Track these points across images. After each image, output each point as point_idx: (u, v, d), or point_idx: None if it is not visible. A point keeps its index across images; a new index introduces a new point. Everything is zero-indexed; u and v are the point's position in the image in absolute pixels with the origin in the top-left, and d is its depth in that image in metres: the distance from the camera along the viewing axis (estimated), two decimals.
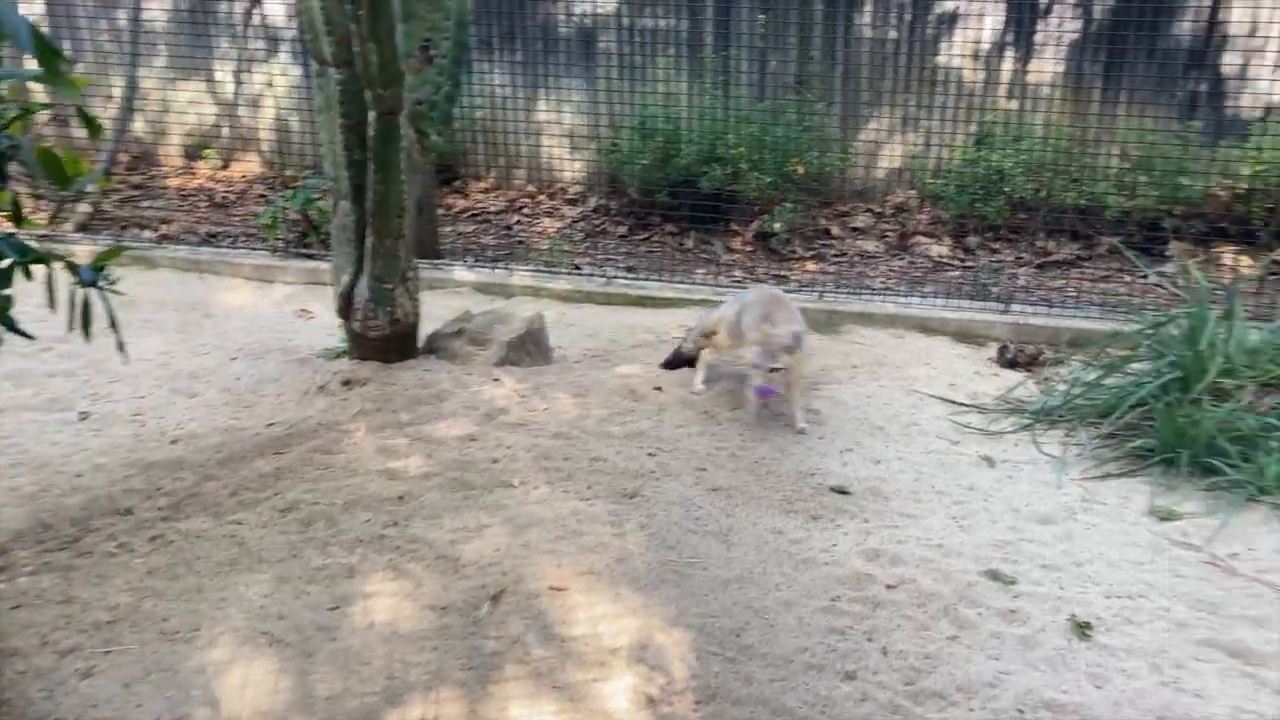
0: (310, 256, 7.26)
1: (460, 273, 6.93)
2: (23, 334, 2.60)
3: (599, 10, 8.41)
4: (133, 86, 8.44)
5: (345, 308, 5.15)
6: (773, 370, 4.75)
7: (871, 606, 3.48)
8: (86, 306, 2.61)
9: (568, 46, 8.57)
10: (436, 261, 7.15)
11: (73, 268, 2.62)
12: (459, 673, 3.18)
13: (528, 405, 4.96)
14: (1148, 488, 4.43)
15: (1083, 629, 3.37)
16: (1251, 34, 7.58)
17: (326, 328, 6.19)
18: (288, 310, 6.71)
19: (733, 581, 3.59)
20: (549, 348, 5.68)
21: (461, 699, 3.08)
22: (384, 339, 5.16)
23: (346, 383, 5.14)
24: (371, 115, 4.37)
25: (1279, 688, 3.14)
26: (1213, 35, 7.65)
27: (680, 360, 5.40)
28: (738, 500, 4.17)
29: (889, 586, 3.58)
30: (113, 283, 2.67)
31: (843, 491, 4.29)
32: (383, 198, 4.61)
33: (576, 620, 3.38)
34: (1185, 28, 7.66)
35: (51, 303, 2.64)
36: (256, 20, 9.19)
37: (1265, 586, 3.71)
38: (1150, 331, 5.24)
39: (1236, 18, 7.54)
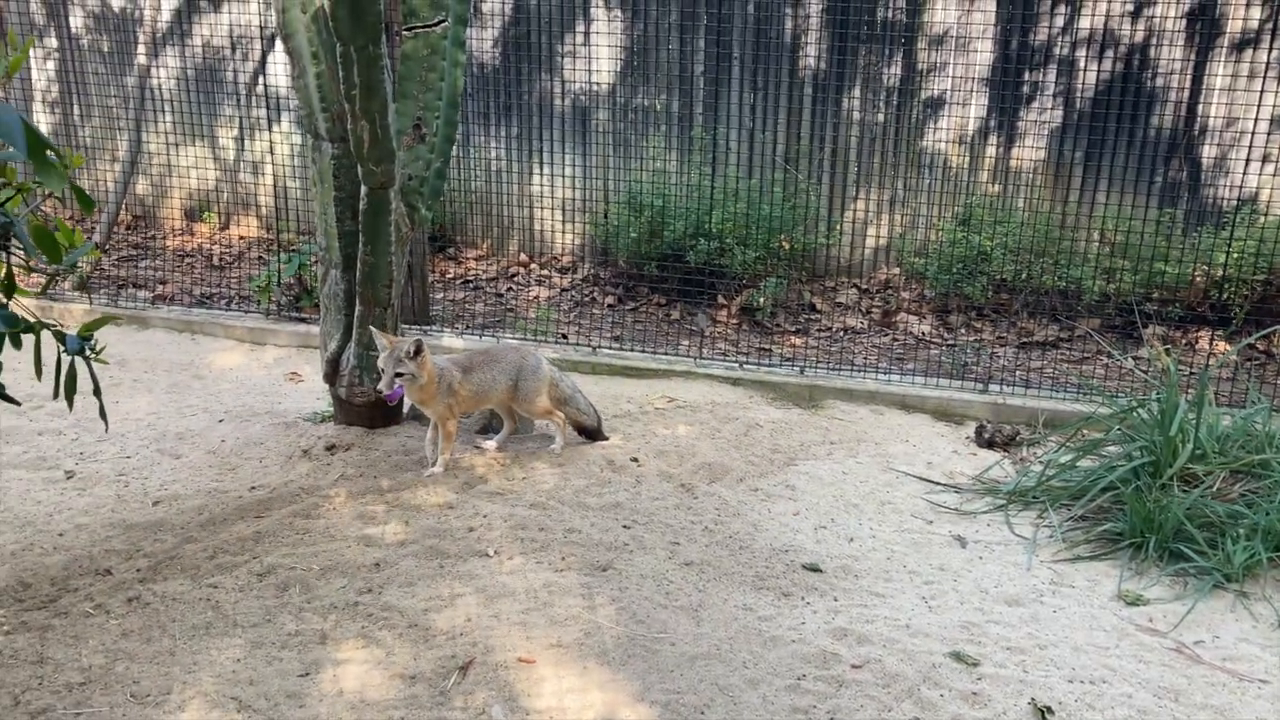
0: (303, 320, 7.36)
1: (449, 339, 7.02)
2: (10, 400, 2.67)
3: (594, 88, 8.63)
4: (136, 148, 8.62)
5: (332, 374, 5.24)
6: (397, 375, 4.73)
7: (836, 686, 3.51)
8: (72, 374, 2.69)
9: (562, 121, 8.78)
10: (426, 327, 7.26)
11: (60, 337, 2.71)
12: None
13: (507, 474, 5.02)
14: (1116, 572, 4.48)
15: (1044, 713, 3.40)
16: (1228, 126, 7.79)
17: (315, 391, 6.27)
18: (278, 373, 6.80)
19: (700, 658, 3.63)
20: None
21: None
22: (369, 405, 5.24)
23: (330, 448, 5.22)
24: (363, 189, 4.50)
25: None
26: (1191, 126, 7.86)
27: None
28: (710, 575, 4.22)
29: (854, 666, 3.62)
30: (98, 351, 2.75)
31: (815, 569, 4.34)
32: (371, 268, 4.72)
33: (542, 693, 3.41)
34: (1165, 118, 7.87)
35: (38, 372, 2.72)
36: (261, 87, 9.42)
37: (1228, 675, 3.74)
38: (1122, 416, 5.33)
39: (1215, 111, 7.76)
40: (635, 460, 5.23)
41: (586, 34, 8.57)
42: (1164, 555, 4.51)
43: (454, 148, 8.19)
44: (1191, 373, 6.79)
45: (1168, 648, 3.92)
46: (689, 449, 5.43)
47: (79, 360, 2.75)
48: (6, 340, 2.56)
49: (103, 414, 2.89)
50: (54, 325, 2.72)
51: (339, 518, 4.54)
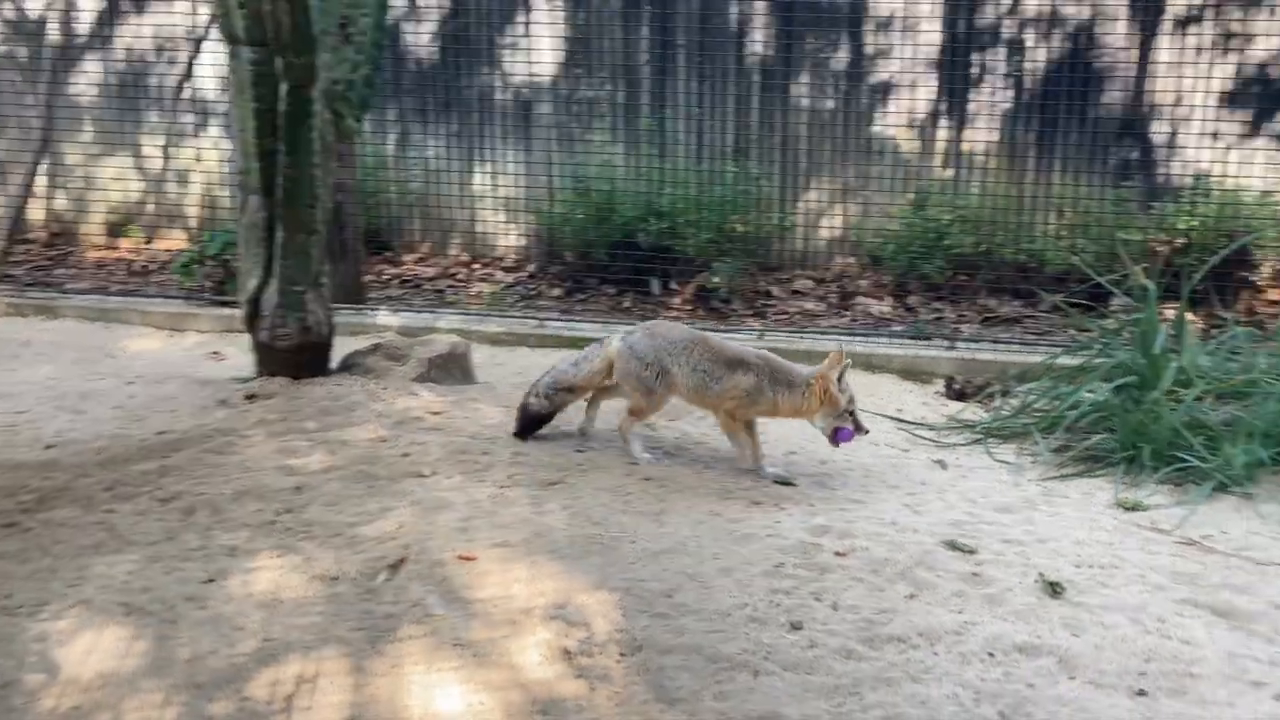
0: (226, 304, 6.88)
1: (384, 317, 6.60)
2: None
3: (536, 81, 8.38)
4: (38, 157, 8.08)
5: (253, 315, 4.79)
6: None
7: (819, 571, 3.11)
8: None
9: (504, 117, 8.50)
10: (359, 306, 6.81)
11: None
12: (346, 634, 2.75)
13: (447, 415, 4.57)
14: (1109, 485, 4.16)
15: (1054, 587, 3.03)
16: (1177, 104, 7.72)
17: (238, 367, 5.79)
18: (198, 354, 6.29)
19: (664, 553, 3.21)
20: (473, 374, 5.33)
21: (345, 657, 2.65)
22: (294, 350, 4.78)
23: (250, 396, 4.74)
24: (283, 89, 4.12)
25: (1271, 638, 2.82)
26: (1140, 105, 7.78)
27: (534, 422, 4.33)
28: (671, 489, 3.81)
29: (839, 554, 3.22)
30: None
31: (786, 483, 3.96)
32: (294, 184, 4.32)
33: (486, 585, 2.98)
34: (1115, 98, 7.79)
35: None
36: (187, 93, 9.03)
37: (1244, 560, 3.41)
38: (1104, 338, 5.07)
39: (1160, 87, 7.69)
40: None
41: (527, 25, 8.33)
42: (1159, 465, 4.19)
43: (390, 144, 7.87)
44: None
45: (1176, 541, 3.57)
46: None
47: None
48: None
49: None
50: None
51: (257, 452, 4.07)
